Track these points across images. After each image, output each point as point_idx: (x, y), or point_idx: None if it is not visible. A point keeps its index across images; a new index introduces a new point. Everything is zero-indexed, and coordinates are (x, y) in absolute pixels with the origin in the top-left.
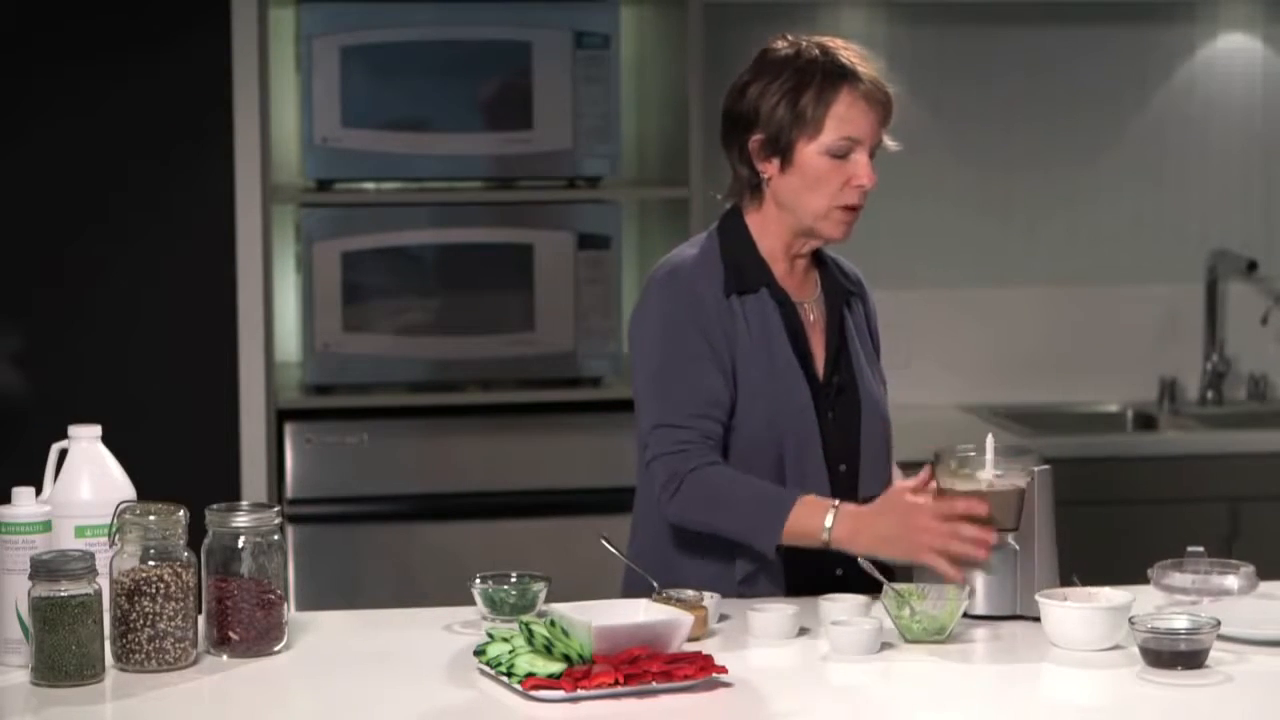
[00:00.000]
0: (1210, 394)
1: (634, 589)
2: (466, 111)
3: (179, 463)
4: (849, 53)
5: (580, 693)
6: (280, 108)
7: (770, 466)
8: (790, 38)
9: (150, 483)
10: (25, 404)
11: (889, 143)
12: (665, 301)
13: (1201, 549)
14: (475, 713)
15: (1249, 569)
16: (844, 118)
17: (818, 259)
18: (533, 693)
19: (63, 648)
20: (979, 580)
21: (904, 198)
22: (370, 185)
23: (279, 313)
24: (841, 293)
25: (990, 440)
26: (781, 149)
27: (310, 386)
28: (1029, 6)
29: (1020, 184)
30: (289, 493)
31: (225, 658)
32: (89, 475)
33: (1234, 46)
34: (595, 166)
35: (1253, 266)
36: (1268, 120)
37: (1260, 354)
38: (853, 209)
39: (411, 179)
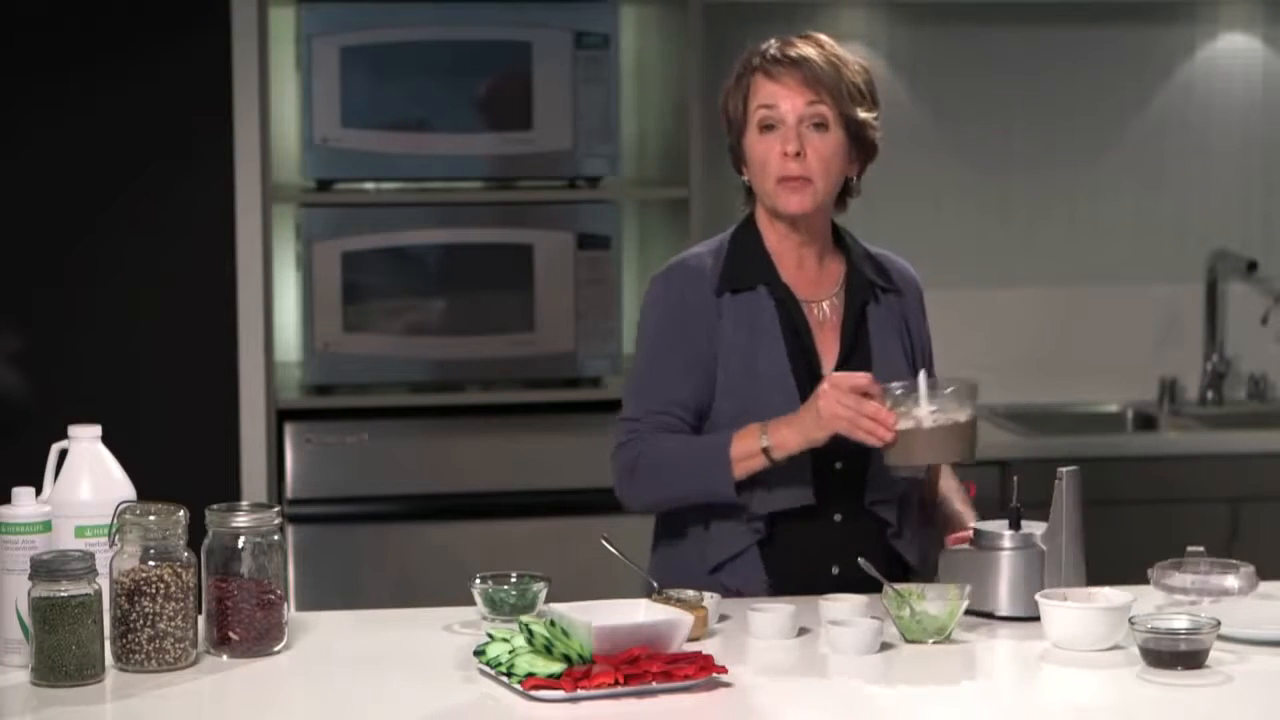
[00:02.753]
0: (1210, 394)
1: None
2: (466, 111)
3: (179, 463)
4: (790, 41)
5: (580, 693)
6: (280, 108)
7: None
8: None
9: (150, 483)
10: (25, 404)
11: (859, 112)
12: (654, 301)
13: (1201, 549)
14: (475, 713)
15: (1249, 569)
16: (758, 96)
17: (847, 255)
18: (533, 693)
19: (63, 648)
20: (1003, 581)
21: (904, 198)
22: (370, 185)
23: (279, 313)
24: (865, 289)
25: (922, 376)
26: (738, 152)
27: (310, 386)
28: (1029, 6)
29: (1020, 184)
30: (289, 493)
31: (225, 658)
32: (89, 475)
33: (1234, 46)
34: (595, 166)
35: (1253, 266)
36: (1268, 120)
37: (1260, 354)
38: (792, 180)
39: (411, 179)
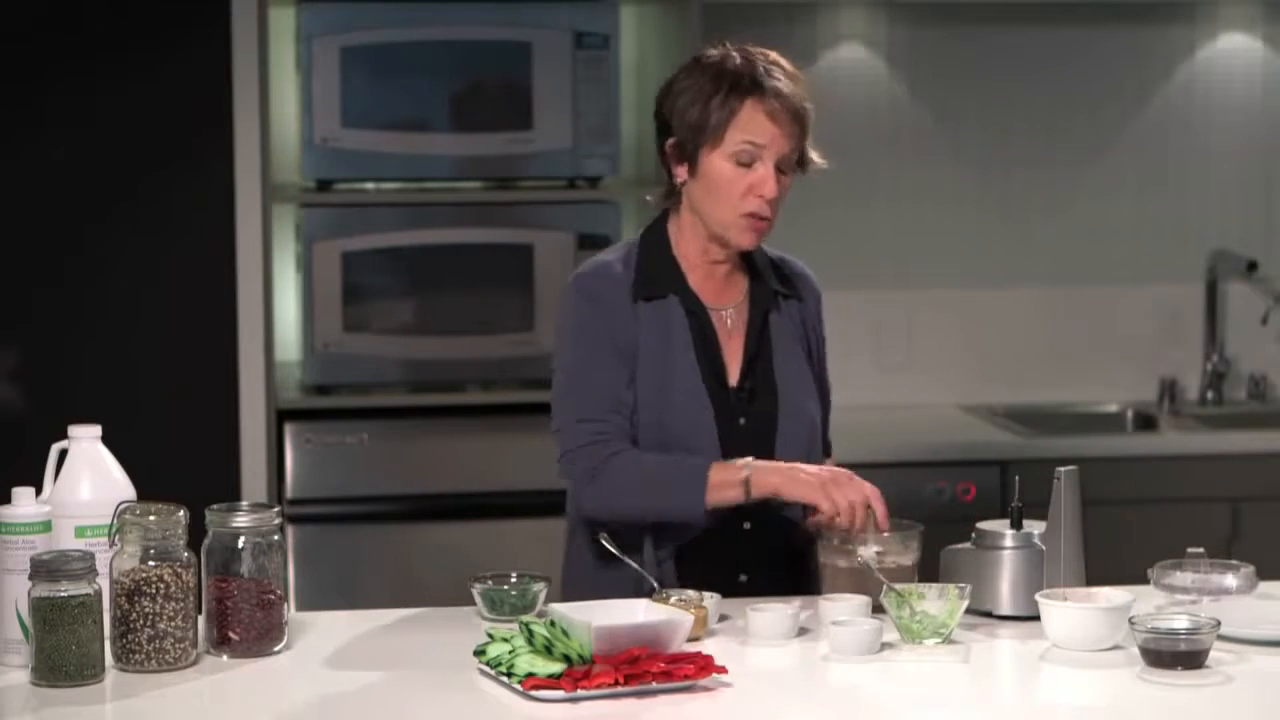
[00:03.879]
0: (1210, 394)
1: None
2: (466, 111)
3: (179, 463)
4: (772, 67)
5: (580, 693)
6: (280, 108)
7: None
8: (726, 46)
9: (150, 483)
10: (25, 404)
11: (816, 159)
12: (576, 305)
13: (1201, 549)
14: (475, 713)
15: (1249, 569)
16: (746, 126)
17: (750, 262)
18: (533, 693)
19: (63, 648)
20: (1004, 581)
21: (904, 198)
22: (370, 185)
23: (279, 313)
24: (768, 297)
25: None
26: (689, 154)
27: (310, 386)
28: (1029, 6)
29: (1020, 184)
30: (289, 493)
31: (225, 658)
32: (89, 475)
33: (1234, 46)
34: (595, 166)
35: (1253, 266)
36: (1268, 120)
37: (1260, 354)
38: (759, 218)
39: (411, 179)
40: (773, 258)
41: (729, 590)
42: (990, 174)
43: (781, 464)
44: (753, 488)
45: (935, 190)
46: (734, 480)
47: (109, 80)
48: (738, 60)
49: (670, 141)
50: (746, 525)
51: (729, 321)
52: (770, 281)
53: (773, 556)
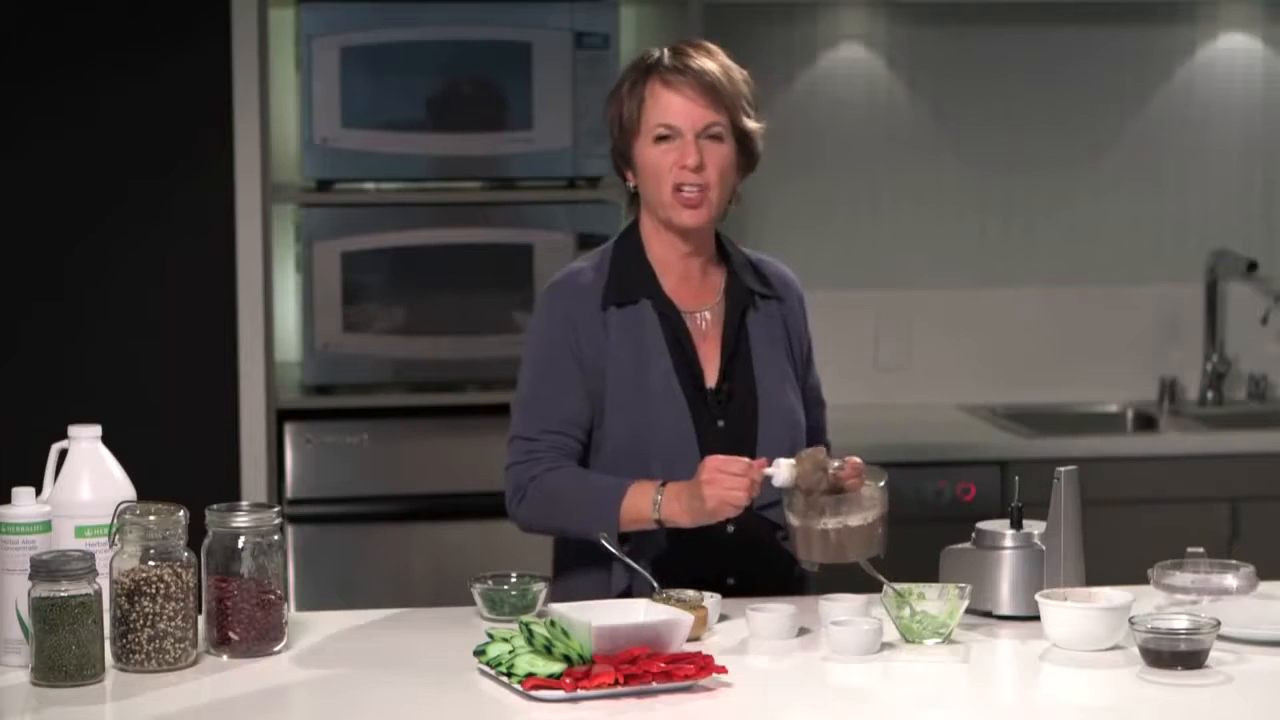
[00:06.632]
0: (1210, 394)
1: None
2: (466, 111)
3: (179, 463)
4: (684, 47)
5: (580, 693)
6: (280, 108)
7: (640, 478)
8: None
9: (150, 483)
10: (25, 404)
11: (750, 124)
12: (541, 317)
13: (1201, 549)
14: (475, 713)
15: (1249, 569)
16: (654, 106)
17: (725, 261)
18: (533, 693)
19: (63, 648)
20: (1004, 581)
21: (904, 198)
22: (370, 185)
23: (279, 313)
24: (745, 297)
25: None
26: (625, 155)
27: (310, 386)
28: (1029, 6)
29: (1020, 184)
30: (289, 493)
31: (225, 658)
32: (89, 475)
33: (1234, 46)
34: (595, 166)
35: (1253, 266)
36: (1268, 120)
37: (1260, 354)
38: (688, 189)
39: (411, 179)
40: (751, 259)
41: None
42: (990, 174)
43: (683, 493)
44: (664, 521)
45: (935, 190)
46: (645, 516)
47: (109, 81)
48: (655, 53)
49: (611, 150)
50: (730, 529)
51: (704, 324)
52: (747, 280)
53: (759, 558)
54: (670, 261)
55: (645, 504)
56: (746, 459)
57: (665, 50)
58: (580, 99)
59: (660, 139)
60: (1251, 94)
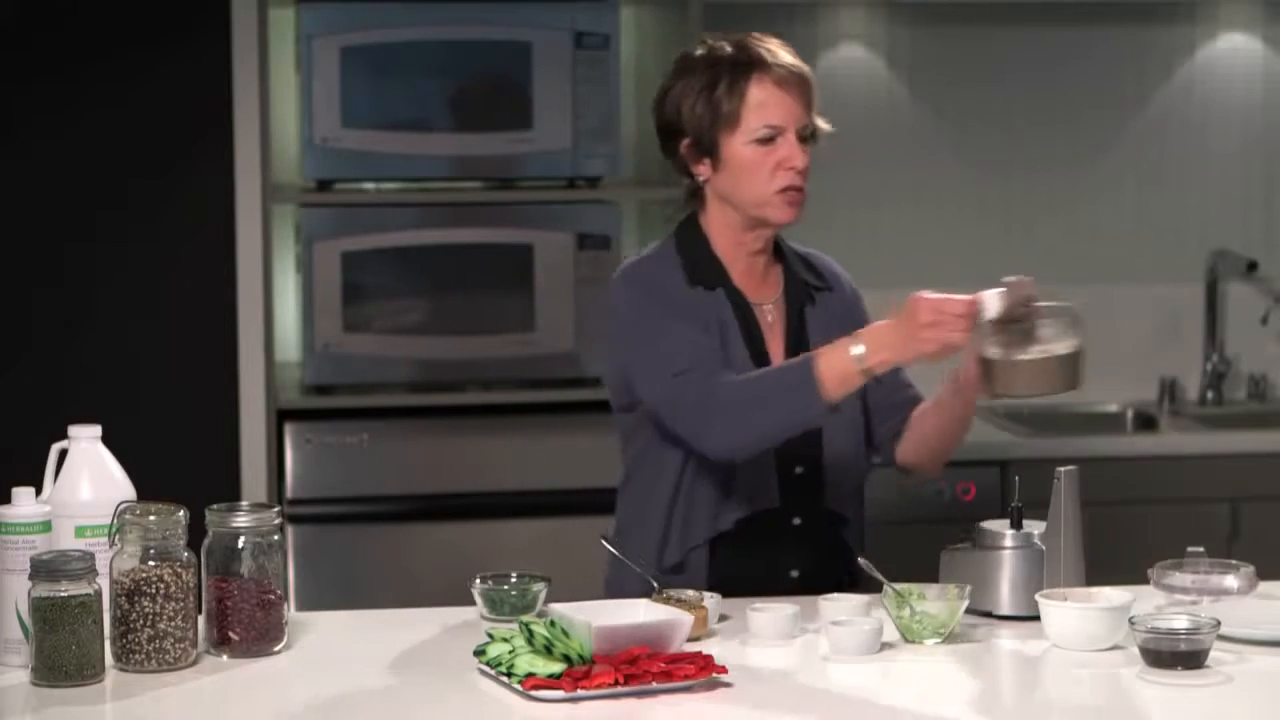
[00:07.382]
0: (1210, 394)
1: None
2: (466, 111)
3: (179, 463)
4: (763, 44)
5: (580, 693)
6: (280, 108)
7: (717, 467)
8: (709, 40)
9: (150, 483)
10: (25, 404)
11: (821, 124)
12: (634, 290)
13: (1201, 549)
14: (475, 713)
15: (1249, 569)
16: (760, 105)
17: (781, 257)
18: (533, 693)
19: (63, 648)
20: (1004, 581)
21: (905, 198)
22: (370, 185)
23: (279, 313)
24: (803, 291)
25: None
26: (708, 148)
27: (310, 386)
28: (1029, 6)
29: (1020, 184)
30: (289, 493)
31: (225, 658)
32: (89, 475)
33: (1234, 46)
34: (595, 166)
35: (1253, 266)
36: (1268, 120)
37: (1260, 354)
38: (793, 190)
39: (411, 179)
40: (800, 252)
41: (779, 587)
42: (990, 174)
43: (885, 330)
44: (876, 369)
45: (935, 190)
46: (850, 371)
47: (110, 80)
48: (729, 48)
49: (685, 142)
50: (796, 521)
51: (769, 316)
52: (801, 274)
53: (822, 551)
54: (737, 256)
55: (845, 361)
56: (961, 296)
57: (749, 44)
58: (580, 99)
59: (763, 140)
60: (1251, 94)
